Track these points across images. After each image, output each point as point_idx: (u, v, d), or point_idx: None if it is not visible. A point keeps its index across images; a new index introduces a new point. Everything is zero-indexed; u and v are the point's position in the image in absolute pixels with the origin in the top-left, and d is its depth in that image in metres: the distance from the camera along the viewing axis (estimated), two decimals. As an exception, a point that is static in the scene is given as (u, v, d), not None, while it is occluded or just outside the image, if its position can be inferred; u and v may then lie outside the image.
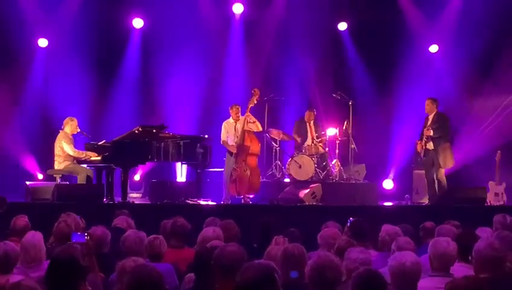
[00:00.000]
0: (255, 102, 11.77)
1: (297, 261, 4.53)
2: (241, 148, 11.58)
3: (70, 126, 11.37)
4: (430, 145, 11.37)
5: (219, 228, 6.15)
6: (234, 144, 11.72)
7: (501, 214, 7.30)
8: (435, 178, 11.44)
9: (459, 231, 6.03)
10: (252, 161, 11.61)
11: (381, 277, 3.90)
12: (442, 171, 11.40)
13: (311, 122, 12.89)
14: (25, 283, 3.64)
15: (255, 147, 11.63)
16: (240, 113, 11.87)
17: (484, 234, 5.95)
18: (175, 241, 6.41)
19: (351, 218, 6.63)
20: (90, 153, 11.14)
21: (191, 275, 5.05)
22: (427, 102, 11.53)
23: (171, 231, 6.51)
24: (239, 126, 11.80)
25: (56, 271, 4.03)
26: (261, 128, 11.97)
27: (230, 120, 12.01)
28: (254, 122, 11.79)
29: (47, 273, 4.12)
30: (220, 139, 11.99)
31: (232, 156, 11.71)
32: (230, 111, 11.99)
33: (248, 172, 11.44)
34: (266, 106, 12.57)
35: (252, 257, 4.43)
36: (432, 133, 11.25)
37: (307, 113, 12.92)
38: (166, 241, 5.99)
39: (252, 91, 11.85)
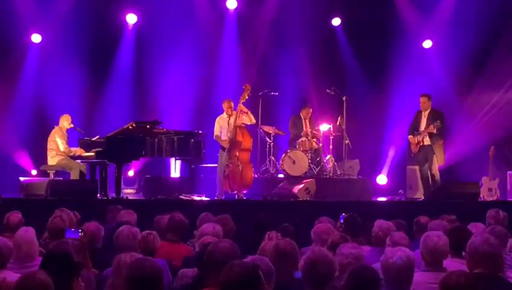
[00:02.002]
0: (246, 97, 11.77)
1: (288, 256, 4.53)
2: (233, 143, 11.59)
3: (65, 122, 11.44)
4: (427, 141, 11.37)
5: (219, 225, 6.09)
6: (227, 138, 11.74)
7: (494, 209, 7.30)
8: (429, 173, 11.46)
9: (451, 226, 6.02)
10: (244, 155, 11.62)
11: (375, 273, 3.91)
12: (437, 166, 11.43)
13: (307, 119, 12.87)
14: (40, 276, 3.63)
15: (246, 142, 11.64)
16: (232, 108, 11.88)
17: (477, 229, 5.95)
18: (171, 235, 6.41)
19: (343, 213, 6.64)
20: (79, 151, 11.19)
21: (185, 270, 5.06)
22: (423, 99, 11.52)
23: (168, 225, 6.51)
24: (232, 121, 11.80)
25: (49, 267, 4.03)
26: (254, 120, 11.95)
27: (224, 115, 12.02)
28: (247, 112, 11.75)
29: (40, 269, 4.12)
30: (214, 134, 12.00)
31: (224, 151, 11.71)
32: (223, 106, 12.00)
33: (240, 167, 11.45)
34: (260, 102, 12.56)
35: (246, 253, 4.43)
36: (435, 130, 11.24)
37: (304, 110, 12.80)
38: (163, 235, 5.98)
39: (243, 86, 11.84)
